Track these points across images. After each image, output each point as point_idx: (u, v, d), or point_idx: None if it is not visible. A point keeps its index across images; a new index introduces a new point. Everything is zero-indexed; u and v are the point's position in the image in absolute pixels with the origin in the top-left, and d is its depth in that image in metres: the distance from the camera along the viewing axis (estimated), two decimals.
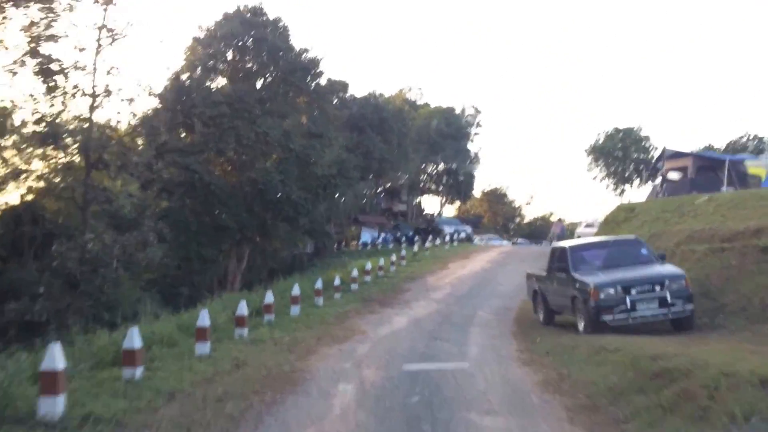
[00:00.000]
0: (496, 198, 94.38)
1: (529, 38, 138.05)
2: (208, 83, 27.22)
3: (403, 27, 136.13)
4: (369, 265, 23.63)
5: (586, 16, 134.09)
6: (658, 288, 12.39)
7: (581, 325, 12.80)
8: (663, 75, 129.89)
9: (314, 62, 29.03)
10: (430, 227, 43.13)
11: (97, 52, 16.72)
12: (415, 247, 31.21)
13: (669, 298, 12.25)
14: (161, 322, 12.51)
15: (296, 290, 15.97)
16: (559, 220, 34.55)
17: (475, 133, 74.04)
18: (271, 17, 29.13)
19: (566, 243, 15.85)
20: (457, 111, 73.62)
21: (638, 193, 55.05)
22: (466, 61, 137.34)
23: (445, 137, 69.24)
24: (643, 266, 13.40)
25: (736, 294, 13.42)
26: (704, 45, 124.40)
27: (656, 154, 52.02)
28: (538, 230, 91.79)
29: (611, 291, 12.34)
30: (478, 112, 74.06)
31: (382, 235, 52.25)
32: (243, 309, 12.25)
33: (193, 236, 25.48)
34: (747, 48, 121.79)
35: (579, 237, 34.16)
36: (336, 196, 30.88)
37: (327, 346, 11.60)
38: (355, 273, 21.61)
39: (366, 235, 55.27)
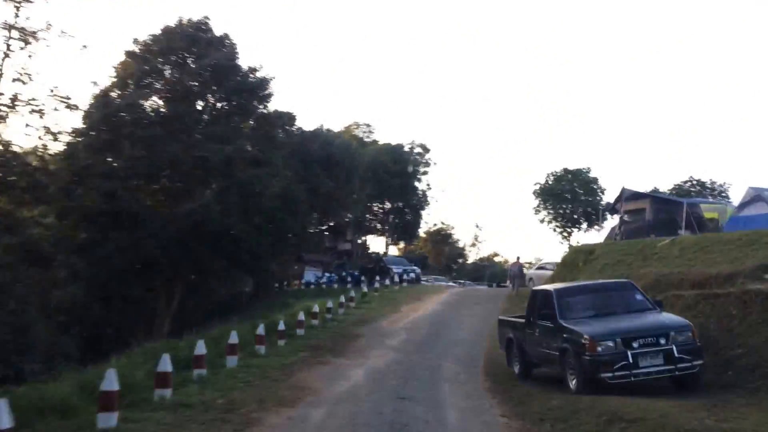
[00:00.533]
0: (440, 238, 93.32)
1: (481, 77, 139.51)
2: (140, 102, 24.42)
3: (353, 64, 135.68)
4: (316, 308, 21.33)
5: (536, 60, 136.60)
6: (662, 340, 10.61)
7: (573, 383, 10.87)
8: (612, 117, 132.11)
9: (263, 83, 26.58)
10: (378, 267, 40.98)
11: (6, 56, 14.27)
12: (364, 288, 28.97)
13: (675, 353, 10.47)
14: (59, 382, 9.95)
15: (234, 337, 13.57)
16: (517, 258, 32.85)
17: (423, 172, 72.84)
18: (218, 33, 26.71)
19: (551, 286, 13.93)
20: (406, 149, 72.52)
21: (586, 236, 54.86)
22: (416, 100, 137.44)
23: (393, 175, 67.89)
24: (640, 315, 11.67)
25: (743, 347, 11.74)
26: (653, 88, 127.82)
27: (605, 196, 52.10)
28: (483, 271, 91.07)
29: (610, 344, 10.50)
30: (426, 150, 72.97)
31: (326, 274, 49.95)
32: (166, 364, 9.81)
33: (116, 273, 22.55)
34: (693, 94, 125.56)
35: (531, 280, 32.69)
36: (282, 230, 28.24)
37: (272, 413, 9.27)
38: (301, 316, 19.27)
39: (310, 274, 52.75)
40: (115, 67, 24.63)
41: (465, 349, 17.27)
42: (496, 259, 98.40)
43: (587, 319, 11.53)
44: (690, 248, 20.84)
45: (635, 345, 10.46)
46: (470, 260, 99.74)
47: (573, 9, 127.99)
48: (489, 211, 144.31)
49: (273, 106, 28.75)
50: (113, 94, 24.19)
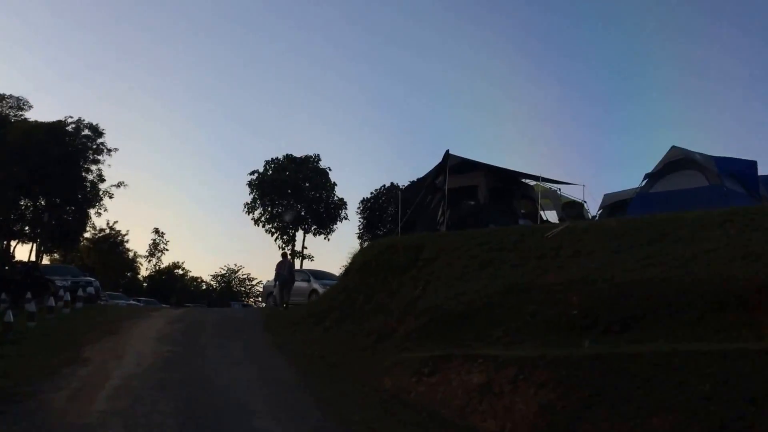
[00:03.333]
0: (109, 246, 76.89)
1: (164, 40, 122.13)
2: None
3: None
4: None
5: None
6: None
7: None
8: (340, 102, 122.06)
9: None
10: (31, 278, 26.56)
11: None
12: (9, 315, 15.25)
13: None
14: None
15: None
16: (284, 256, 22.54)
17: (93, 159, 57.03)
18: None
19: None
20: (69, 128, 56.07)
21: (316, 240, 44.54)
22: (84, 71, 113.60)
23: (52, 161, 51.36)
24: None
25: None
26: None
27: (338, 191, 43.16)
28: (163, 286, 77.02)
29: None
30: (98, 133, 57.21)
31: None
32: None
33: None
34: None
35: (280, 298, 22.71)
36: None
37: None
38: None
39: None
40: None
41: None
42: (178, 271, 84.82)
43: None
44: (621, 237, 12.75)
45: None
46: (144, 273, 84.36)
47: None
48: (180, 212, 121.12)
49: None
50: None
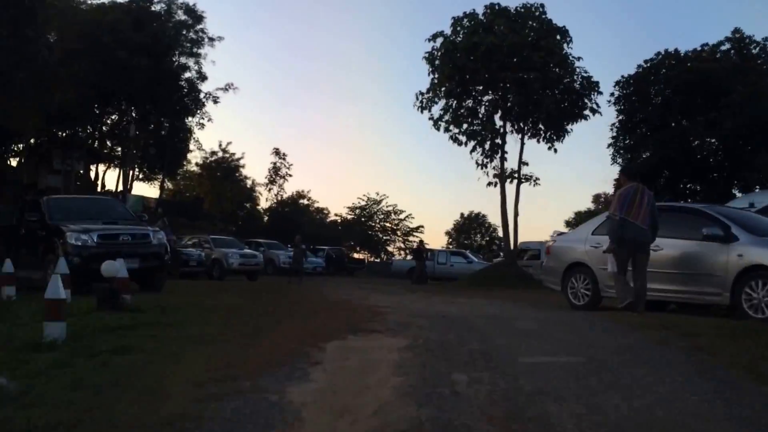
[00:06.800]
0: (223, 172, 61.46)
1: None
2: None
3: None
4: None
5: None
6: None
7: None
8: None
9: None
10: (24, 225, 11.31)
11: None
12: None
13: None
14: None
15: None
16: (627, 172, 9.10)
17: (191, 51, 41.94)
18: None
19: None
20: (156, 8, 41.11)
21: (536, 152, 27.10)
22: None
23: (137, 51, 36.61)
24: None
25: None
26: None
27: (586, 65, 25.97)
28: (286, 221, 61.93)
29: None
30: (198, 17, 41.92)
31: None
32: None
33: None
34: None
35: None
36: None
37: None
38: None
39: None
40: None
41: None
42: (303, 202, 69.29)
43: None
44: None
45: None
46: (263, 204, 68.10)
47: None
48: (309, 123, 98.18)
49: None
50: None
